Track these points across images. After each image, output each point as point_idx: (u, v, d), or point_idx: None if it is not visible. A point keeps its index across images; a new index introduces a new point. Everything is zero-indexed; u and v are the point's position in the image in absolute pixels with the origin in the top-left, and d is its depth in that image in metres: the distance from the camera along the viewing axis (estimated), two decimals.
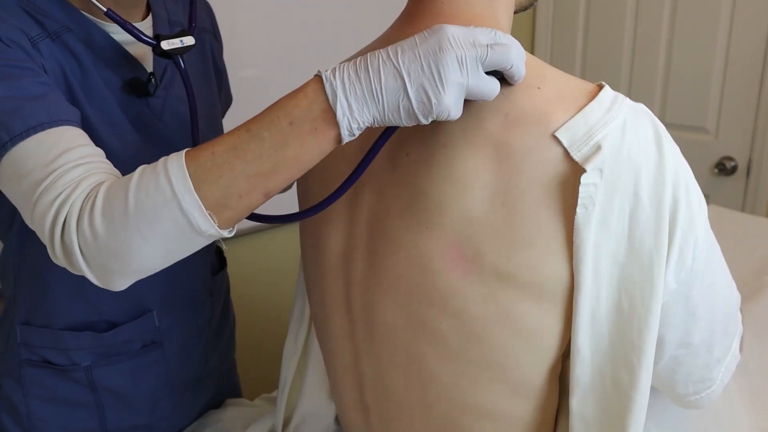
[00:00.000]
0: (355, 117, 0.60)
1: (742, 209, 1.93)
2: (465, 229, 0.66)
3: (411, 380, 0.74)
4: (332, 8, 1.79)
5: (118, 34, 0.90)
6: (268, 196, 0.65)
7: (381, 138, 0.66)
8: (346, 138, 0.62)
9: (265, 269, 1.85)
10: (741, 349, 0.78)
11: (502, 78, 0.63)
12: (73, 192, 0.66)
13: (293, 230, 1.02)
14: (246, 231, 1.75)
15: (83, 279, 0.69)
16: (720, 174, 1.95)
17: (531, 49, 2.35)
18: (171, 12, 1.00)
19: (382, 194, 0.73)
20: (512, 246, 0.64)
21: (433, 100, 0.59)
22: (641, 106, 0.66)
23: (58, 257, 0.68)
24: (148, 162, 0.66)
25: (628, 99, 0.66)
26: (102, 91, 0.88)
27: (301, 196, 0.87)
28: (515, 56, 0.61)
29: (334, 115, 0.60)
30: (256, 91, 1.11)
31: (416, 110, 0.60)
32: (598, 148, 0.62)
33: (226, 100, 1.20)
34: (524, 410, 0.72)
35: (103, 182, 0.67)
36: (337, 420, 1.04)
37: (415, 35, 0.60)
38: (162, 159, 0.64)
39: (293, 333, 1.00)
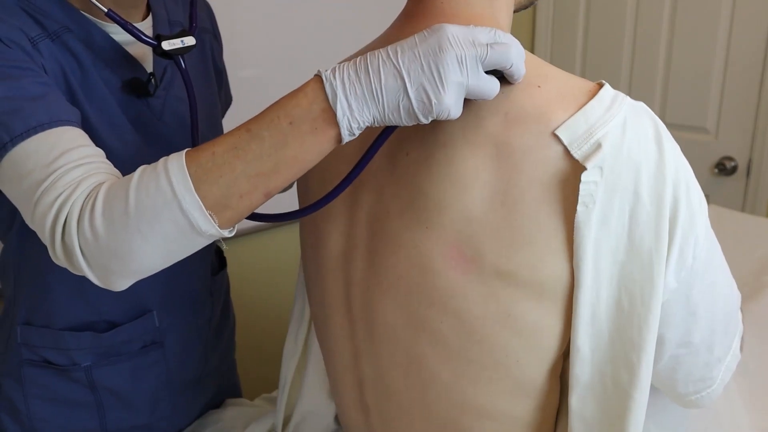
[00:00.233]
0: (355, 117, 0.60)
1: (742, 209, 1.93)
2: (465, 228, 0.66)
3: (411, 380, 0.74)
4: (332, 8, 1.79)
5: (118, 35, 0.90)
6: (268, 196, 0.65)
7: (380, 137, 0.66)
8: (346, 138, 0.62)
9: (265, 269, 1.85)
10: (741, 348, 0.78)
11: (502, 77, 0.63)
12: (73, 192, 0.66)
13: (293, 230, 1.02)
14: (246, 231, 1.75)
15: (83, 279, 0.69)
16: (720, 174, 1.95)
17: (531, 49, 2.35)
18: (171, 12, 1.00)
19: (381, 194, 0.73)
20: (512, 245, 0.64)
21: (433, 100, 0.59)
22: (641, 105, 0.66)
23: (58, 257, 0.68)
24: (149, 162, 0.66)
25: (628, 97, 0.66)
26: (102, 91, 0.88)
27: (301, 196, 0.87)
28: (515, 55, 0.61)
29: (334, 114, 0.60)
30: (256, 91, 1.11)
31: (416, 110, 0.60)
32: (598, 146, 0.62)
33: (226, 100, 1.20)
34: (525, 409, 0.72)
35: (104, 182, 0.67)
36: (336, 419, 1.04)
37: (415, 35, 0.60)
38: (162, 159, 0.64)
39: (293, 332, 1.00)
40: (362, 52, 0.74)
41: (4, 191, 0.75)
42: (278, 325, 1.27)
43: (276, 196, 0.68)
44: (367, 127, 0.63)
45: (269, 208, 0.69)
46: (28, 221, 0.71)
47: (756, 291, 1.25)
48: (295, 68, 0.95)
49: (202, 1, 1.08)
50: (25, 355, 0.98)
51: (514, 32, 0.64)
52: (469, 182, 0.65)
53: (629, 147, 0.63)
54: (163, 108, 0.95)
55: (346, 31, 1.77)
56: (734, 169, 1.93)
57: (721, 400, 0.85)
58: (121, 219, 0.63)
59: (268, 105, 0.64)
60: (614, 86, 0.67)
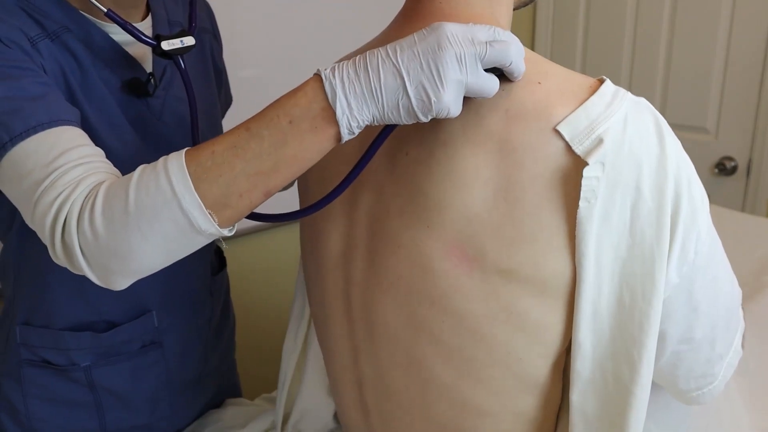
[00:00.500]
0: (354, 115, 0.61)
1: (742, 209, 1.93)
2: (466, 227, 0.66)
3: (411, 380, 0.74)
4: (332, 8, 1.79)
5: (118, 35, 0.90)
6: (268, 195, 0.65)
7: (380, 136, 0.66)
8: (346, 136, 0.62)
9: (265, 269, 1.85)
10: (743, 345, 0.78)
11: (502, 75, 0.63)
12: (73, 192, 0.66)
13: (293, 230, 1.02)
14: (246, 231, 1.74)
15: (83, 279, 0.69)
16: (720, 174, 1.95)
17: (531, 50, 2.34)
18: (171, 12, 1.00)
19: (381, 194, 0.73)
20: (514, 242, 0.64)
21: (433, 98, 0.59)
22: (642, 100, 0.66)
23: (58, 257, 0.68)
24: (148, 162, 0.66)
25: (629, 93, 0.65)
26: (101, 91, 0.88)
27: (302, 196, 0.87)
28: (514, 53, 0.61)
29: (334, 113, 0.60)
30: (256, 91, 1.11)
31: (416, 108, 0.60)
32: (599, 141, 0.62)
33: (226, 101, 1.20)
34: (527, 406, 0.72)
35: (103, 182, 0.67)
36: (335, 417, 1.04)
37: (414, 33, 0.60)
38: (162, 158, 0.64)
39: (293, 330, 1.00)
40: (361, 51, 0.74)
41: (4, 191, 0.75)
42: (278, 325, 1.27)
43: (277, 195, 0.68)
44: (367, 126, 0.63)
45: (270, 207, 0.69)
46: (28, 221, 0.71)
47: (756, 291, 1.25)
48: (295, 68, 0.95)
49: (202, 1, 1.08)
50: (24, 355, 0.98)
51: (514, 33, 0.64)
52: (470, 180, 0.65)
53: (631, 142, 0.63)
54: (162, 108, 0.95)
55: (346, 31, 1.77)
56: (734, 169, 1.93)
57: (721, 399, 0.85)
58: (121, 218, 0.63)
59: (267, 105, 0.64)
60: None
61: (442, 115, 0.60)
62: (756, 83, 1.85)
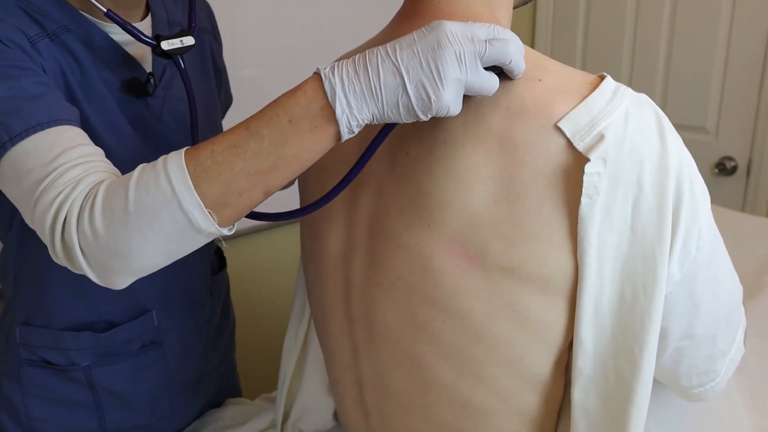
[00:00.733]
0: (354, 114, 0.60)
1: (742, 209, 1.93)
2: (467, 225, 0.66)
3: (411, 380, 0.74)
4: (332, 8, 1.79)
5: (117, 35, 0.90)
6: (268, 194, 0.65)
7: (380, 135, 0.66)
8: (346, 135, 0.62)
9: (265, 269, 1.85)
10: (744, 342, 0.78)
11: (502, 72, 0.63)
12: (73, 191, 0.66)
13: (293, 230, 1.02)
14: (246, 231, 1.74)
15: (83, 279, 0.69)
16: (720, 174, 1.95)
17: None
18: (170, 12, 1.00)
19: (381, 194, 0.72)
20: (516, 240, 0.64)
21: (432, 97, 0.59)
22: (643, 96, 0.66)
23: (58, 256, 0.68)
24: (148, 162, 0.66)
25: (630, 89, 0.65)
26: (101, 91, 0.88)
27: (302, 195, 0.87)
28: (514, 51, 0.61)
29: (333, 112, 0.60)
30: (256, 91, 1.11)
31: (415, 107, 0.60)
32: (601, 137, 0.62)
33: (226, 100, 1.20)
34: (529, 404, 0.72)
35: (103, 181, 0.67)
36: (335, 416, 1.04)
37: (414, 32, 0.60)
38: (162, 157, 0.64)
39: (293, 327, 1.00)
40: (361, 50, 0.74)
41: (4, 191, 0.75)
42: (278, 325, 1.27)
43: (277, 194, 0.68)
44: (366, 126, 0.63)
45: (270, 206, 0.69)
46: (28, 220, 0.71)
47: (756, 291, 1.25)
48: (295, 68, 0.95)
49: (202, 0, 1.08)
50: (24, 355, 0.98)
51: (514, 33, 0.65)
52: (471, 178, 0.65)
53: (632, 138, 0.63)
54: (162, 108, 0.95)
55: (346, 31, 1.77)
56: (734, 169, 1.93)
57: (721, 398, 0.84)
58: (121, 217, 0.63)
59: (267, 104, 0.64)
60: None
61: (442, 113, 0.60)
62: (756, 83, 1.85)
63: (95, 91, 0.88)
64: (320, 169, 0.78)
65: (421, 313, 0.70)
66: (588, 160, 0.62)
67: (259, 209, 0.68)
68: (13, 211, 0.88)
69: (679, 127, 0.66)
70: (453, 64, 0.58)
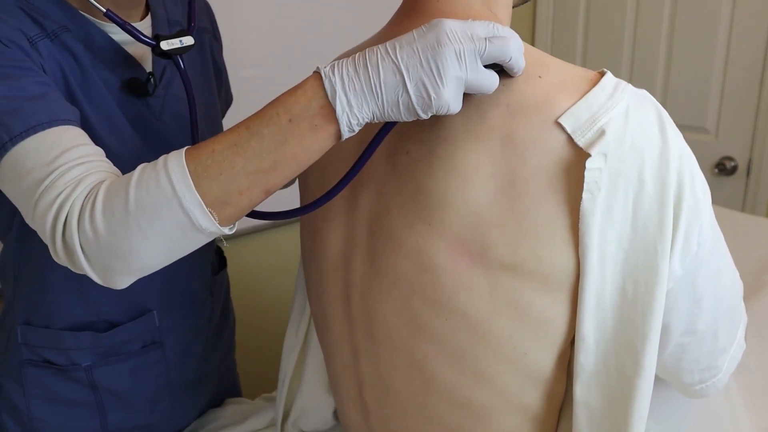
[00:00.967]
0: (354, 113, 0.61)
1: (742, 209, 1.93)
2: (469, 223, 0.66)
3: (412, 380, 0.74)
4: (332, 8, 1.79)
5: (117, 34, 0.90)
6: (268, 193, 0.65)
7: (380, 133, 0.66)
8: (346, 134, 0.62)
9: (265, 269, 1.85)
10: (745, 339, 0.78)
11: (502, 70, 0.63)
12: (73, 191, 0.66)
13: (293, 230, 1.02)
14: (246, 231, 1.74)
15: (83, 279, 0.69)
16: (720, 174, 1.95)
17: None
18: (170, 12, 1.00)
19: (381, 193, 0.72)
20: (517, 237, 0.64)
21: (433, 95, 0.59)
22: (644, 92, 0.66)
23: (59, 256, 0.68)
24: (148, 162, 0.66)
25: (630, 85, 0.65)
26: (101, 91, 0.88)
27: (302, 195, 0.87)
28: (514, 48, 0.61)
29: (334, 111, 0.60)
30: (256, 91, 1.11)
31: (416, 105, 0.60)
32: (602, 133, 0.62)
33: (226, 100, 1.20)
34: (532, 402, 0.72)
35: (104, 181, 0.67)
36: (335, 414, 1.04)
37: (413, 30, 0.60)
38: (162, 157, 0.64)
39: (294, 326, 1.00)
40: (360, 49, 0.74)
41: (5, 191, 0.75)
42: (278, 325, 1.27)
43: (277, 193, 0.68)
44: (367, 124, 0.63)
45: (270, 205, 0.69)
46: (28, 220, 0.71)
47: (756, 291, 1.25)
48: (295, 68, 0.95)
49: (201, 0, 1.08)
50: (25, 355, 0.98)
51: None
52: (472, 176, 0.65)
53: (632, 134, 0.63)
54: (162, 108, 0.95)
55: (346, 31, 1.77)
56: (734, 169, 1.93)
57: (721, 398, 0.85)
58: (122, 217, 0.63)
59: (267, 103, 0.64)
60: None
61: (442, 111, 0.60)
62: (756, 83, 1.85)
63: (95, 91, 0.88)
64: (320, 168, 0.78)
65: (421, 313, 0.70)
66: (589, 155, 0.62)
67: (259, 208, 0.68)
68: (13, 211, 0.88)
69: (679, 127, 0.66)
70: (453, 62, 0.58)
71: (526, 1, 0.79)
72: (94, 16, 0.88)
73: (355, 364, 0.81)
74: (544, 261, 0.65)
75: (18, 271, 0.97)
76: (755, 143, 1.88)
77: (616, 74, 0.66)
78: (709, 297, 0.69)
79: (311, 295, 0.87)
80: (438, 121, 0.67)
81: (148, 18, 0.97)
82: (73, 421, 1.01)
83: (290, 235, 1.42)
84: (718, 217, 0.70)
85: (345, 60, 0.61)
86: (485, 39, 0.59)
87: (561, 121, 0.63)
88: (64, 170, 0.68)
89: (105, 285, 0.69)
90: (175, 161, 0.63)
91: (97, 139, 0.78)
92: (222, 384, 1.19)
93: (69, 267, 0.69)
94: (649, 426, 0.69)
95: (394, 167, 0.71)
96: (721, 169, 1.94)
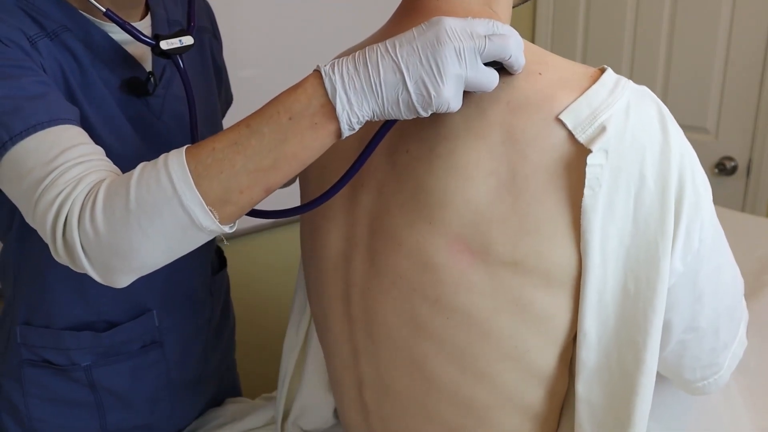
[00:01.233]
0: (354, 111, 0.61)
1: (742, 209, 1.93)
2: (470, 220, 0.66)
3: (412, 380, 0.74)
4: (332, 8, 1.79)
5: (117, 34, 0.90)
6: (268, 192, 0.65)
7: (380, 131, 0.66)
8: (346, 132, 0.62)
9: (265, 269, 1.85)
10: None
11: (502, 68, 0.63)
12: (74, 190, 0.66)
13: (294, 229, 1.02)
14: (246, 230, 1.74)
15: (83, 279, 0.69)
16: (720, 174, 1.95)
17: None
18: (170, 11, 1.00)
19: (381, 192, 0.72)
20: (519, 233, 0.64)
21: (432, 93, 0.59)
22: (644, 89, 0.66)
23: (60, 255, 0.68)
24: (148, 161, 0.66)
25: (631, 81, 0.66)
26: (101, 90, 0.88)
27: (303, 194, 0.87)
28: (513, 46, 0.61)
29: (334, 109, 0.61)
30: (256, 91, 1.11)
31: (416, 103, 0.60)
32: (602, 129, 0.62)
33: (226, 99, 1.20)
34: (534, 400, 0.72)
35: (104, 180, 0.67)
36: (335, 413, 1.04)
37: (413, 28, 0.60)
38: (162, 156, 0.64)
39: (294, 325, 1.00)
40: (360, 47, 0.74)
41: (5, 190, 0.75)
42: (278, 325, 1.27)
43: (278, 192, 0.68)
44: (367, 123, 0.63)
45: (271, 204, 0.69)
46: (29, 220, 0.71)
47: (756, 291, 1.25)
48: (295, 68, 0.95)
49: (201, 0, 1.08)
50: (24, 355, 0.98)
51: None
52: (472, 173, 0.65)
53: (633, 130, 0.63)
54: (162, 107, 0.95)
55: (346, 31, 1.77)
56: (734, 169, 1.93)
57: (721, 398, 0.84)
58: (122, 215, 0.63)
59: (268, 102, 0.64)
60: None
61: (442, 109, 0.60)
62: (756, 83, 1.85)
63: (95, 90, 0.88)
64: (320, 167, 0.78)
65: (422, 312, 0.70)
66: (590, 151, 0.62)
67: (259, 207, 0.68)
68: (13, 211, 0.88)
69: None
70: (453, 60, 0.58)
71: (525, 1, 0.79)
72: (94, 16, 0.88)
73: (355, 363, 0.81)
74: (545, 257, 0.65)
75: (18, 271, 0.97)
76: (755, 143, 1.88)
77: (616, 74, 0.66)
78: (711, 294, 0.69)
79: (311, 294, 0.87)
80: (438, 119, 0.67)
81: (148, 18, 0.97)
82: (73, 421, 1.01)
83: (290, 235, 1.42)
84: (718, 217, 0.70)
85: (345, 58, 0.61)
86: (485, 37, 0.59)
87: (562, 117, 0.63)
88: (65, 169, 0.68)
89: (105, 284, 0.69)
90: (176, 160, 0.63)
91: (97, 139, 0.78)
92: (222, 384, 1.19)
93: (69, 266, 0.69)
94: (650, 425, 0.69)
95: (394, 166, 0.71)
96: (721, 169, 1.94)
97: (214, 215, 0.63)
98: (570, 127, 0.63)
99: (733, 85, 1.89)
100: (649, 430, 0.69)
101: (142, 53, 0.94)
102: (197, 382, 1.10)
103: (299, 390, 1.02)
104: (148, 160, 0.66)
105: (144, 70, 0.94)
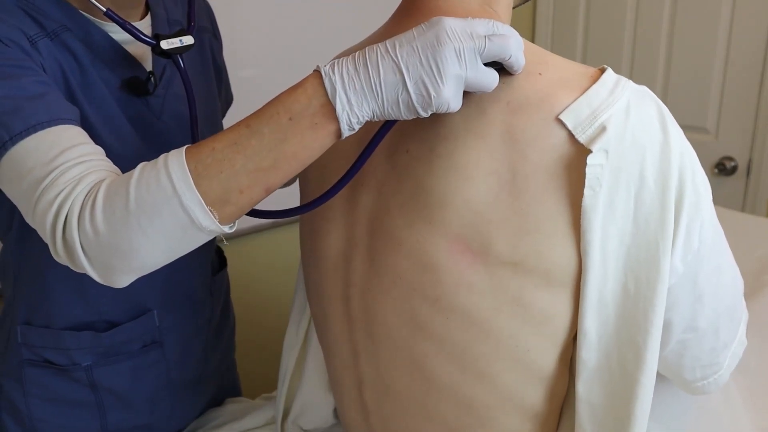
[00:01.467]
0: (354, 111, 0.61)
1: (742, 209, 1.93)
2: (470, 220, 0.66)
3: (412, 380, 0.74)
4: (332, 8, 1.79)
5: (117, 34, 0.90)
6: (268, 192, 0.65)
7: (380, 131, 0.66)
8: (346, 132, 0.62)
9: (265, 269, 1.85)
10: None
11: (502, 68, 0.63)
12: (74, 189, 0.66)
13: (293, 229, 1.02)
14: (246, 230, 1.74)
15: (83, 279, 0.69)
16: (720, 174, 1.95)
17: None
18: (170, 11, 1.00)
19: (381, 193, 0.72)
20: (519, 234, 0.65)
21: (432, 93, 0.59)
22: (645, 89, 0.66)
23: (60, 255, 0.68)
24: (148, 161, 0.66)
25: (631, 81, 0.66)
26: (101, 90, 0.88)
27: (303, 194, 0.87)
28: (513, 46, 0.61)
29: (334, 109, 0.61)
30: (256, 91, 1.11)
31: (415, 103, 0.60)
32: (602, 129, 0.62)
33: (226, 99, 1.20)
34: (534, 400, 0.72)
35: (104, 179, 0.67)
36: (335, 413, 1.04)
37: (413, 29, 0.60)
38: (162, 156, 0.64)
39: (294, 325, 1.00)
40: (360, 47, 0.74)
41: (5, 190, 0.75)
42: (278, 325, 1.27)
43: (278, 192, 0.68)
44: (367, 123, 0.63)
45: (270, 204, 0.69)
46: (28, 220, 0.71)
47: (756, 291, 1.25)
48: (295, 68, 0.95)
49: (201, 0, 1.08)
50: (25, 355, 0.98)
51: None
52: (472, 173, 0.65)
53: (633, 130, 0.63)
54: (162, 107, 0.95)
55: (346, 31, 1.77)
56: (734, 169, 1.93)
57: (721, 398, 0.84)
58: (122, 215, 0.63)
59: (268, 102, 0.64)
60: None
61: (442, 110, 0.60)
62: (756, 83, 1.85)
63: (95, 90, 0.88)
64: (320, 167, 0.78)
65: (422, 312, 0.70)
66: (590, 152, 0.62)
67: (259, 207, 0.68)
68: (13, 211, 0.88)
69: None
70: (452, 61, 0.58)
71: (526, 1, 0.79)
72: (94, 16, 0.88)
73: (355, 363, 0.81)
74: (545, 257, 0.65)
75: (18, 271, 0.97)
76: (755, 143, 1.88)
77: (617, 74, 0.66)
78: (711, 293, 0.69)
79: (311, 294, 0.87)
80: (438, 119, 0.67)
81: (148, 17, 0.97)
82: (73, 421, 1.01)
83: (290, 235, 1.42)
84: (718, 217, 0.70)
85: (345, 58, 0.61)
86: (485, 37, 0.59)
87: (562, 117, 0.63)
88: (64, 169, 0.68)
89: (105, 284, 0.69)
90: (176, 160, 0.63)
91: (97, 139, 0.78)
92: (222, 384, 1.19)
93: (69, 266, 0.69)
94: (649, 425, 0.69)
95: (394, 166, 0.71)
96: (721, 169, 1.94)
97: (213, 215, 0.63)
98: (570, 127, 0.63)
99: (733, 85, 1.89)
100: (649, 430, 0.69)
101: (143, 53, 0.94)
102: (197, 382, 1.10)
103: (299, 389, 1.02)
104: (148, 160, 0.66)
105: (144, 69, 0.94)
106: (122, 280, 0.69)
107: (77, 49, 0.86)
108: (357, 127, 0.62)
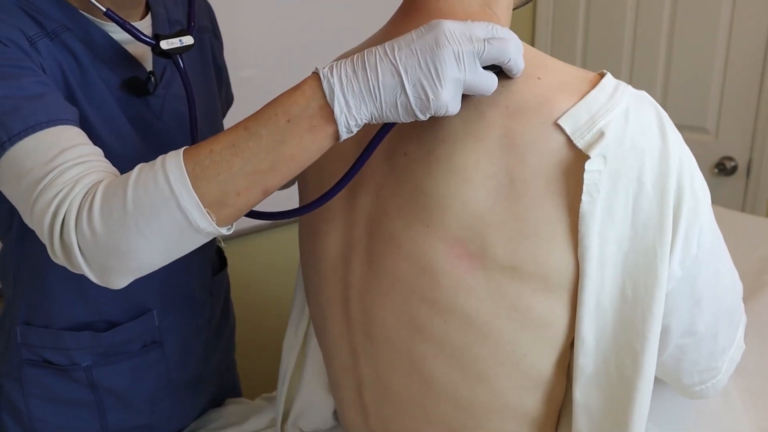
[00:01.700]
0: (352, 114, 0.60)
1: (742, 209, 1.93)
2: (468, 224, 0.66)
3: (411, 382, 0.74)
4: (332, 8, 1.79)
5: (117, 34, 0.90)
6: (266, 194, 0.65)
7: (378, 134, 0.66)
8: (344, 135, 0.62)
9: (265, 269, 1.85)
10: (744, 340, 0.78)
11: (501, 71, 0.63)
12: (71, 190, 0.66)
13: (293, 230, 1.02)
14: (246, 231, 1.74)
15: (83, 279, 0.69)
16: (720, 174, 1.95)
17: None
18: (170, 11, 1.00)
19: (379, 195, 0.72)
20: (517, 238, 0.64)
21: (431, 96, 0.59)
22: (644, 93, 0.66)
23: (57, 256, 0.68)
24: (147, 161, 0.66)
25: (630, 86, 0.65)
26: (101, 90, 0.88)
27: (301, 196, 0.87)
28: (513, 50, 0.61)
29: (332, 112, 0.60)
30: (256, 91, 1.11)
31: (414, 106, 0.60)
32: (601, 134, 0.62)
33: (226, 99, 1.20)
34: (531, 404, 0.72)
35: (102, 180, 0.67)
36: (335, 414, 1.04)
37: (412, 31, 0.60)
38: (160, 157, 0.64)
39: (293, 326, 1.00)
40: (359, 49, 0.74)
41: (3, 191, 0.75)
42: (278, 325, 1.27)
43: (277, 193, 0.68)
44: (365, 125, 0.63)
45: (270, 206, 0.69)
46: (26, 220, 0.71)
47: (756, 291, 1.25)
48: (295, 68, 0.95)
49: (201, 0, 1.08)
50: (25, 355, 0.98)
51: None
52: (470, 176, 0.65)
53: (632, 135, 0.62)
54: (162, 107, 0.95)
55: (346, 31, 1.77)
56: (734, 169, 1.93)
57: (720, 400, 0.84)
58: (119, 216, 0.63)
59: (266, 104, 0.64)
60: None
61: (441, 113, 0.60)
62: (756, 83, 1.85)
63: (95, 90, 0.88)
64: (319, 169, 0.78)
65: (420, 315, 0.70)
66: (588, 157, 0.61)
67: (258, 208, 0.68)
68: (13, 211, 0.88)
69: (679, 127, 0.66)
70: (451, 64, 0.58)
71: (526, 2, 0.79)
72: (94, 16, 0.88)
73: (354, 365, 0.81)
74: (543, 262, 0.65)
75: (18, 271, 0.97)
76: (755, 143, 1.88)
77: (616, 74, 0.66)
78: (709, 298, 0.69)
79: (310, 296, 0.87)
80: (437, 122, 0.67)
81: (148, 17, 0.96)
82: (73, 421, 1.01)
83: (290, 235, 1.42)
84: (718, 217, 0.70)
85: (343, 61, 0.61)
86: (484, 40, 0.59)
87: (560, 122, 0.63)
88: (63, 170, 0.68)
89: (102, 285, 0.69)
90: (173, 161, 0.63)
91: (96, 139, 0.78)
92: (222, 384, 1.19)
93: (67, 266, 0.69)
94: (648, 427, 0.69)
95: (392, 168, 0.71)
96: (721, 169, 1.94)
97: (211, 217, 0.63)
98: (568, 132, 0.63)
99: (733, 85, 1.89)
100: None
101: (143, 53, 0.94)
102: (197, 382, 1.10)
103: (299, 391, 1.02)
104: (148, 161, 0.66)
105: (144, 69, 0.94)
106: (119, 281, 0.69)
107: (77, 49, 0.86)
108: (355, 130, 0.62)
